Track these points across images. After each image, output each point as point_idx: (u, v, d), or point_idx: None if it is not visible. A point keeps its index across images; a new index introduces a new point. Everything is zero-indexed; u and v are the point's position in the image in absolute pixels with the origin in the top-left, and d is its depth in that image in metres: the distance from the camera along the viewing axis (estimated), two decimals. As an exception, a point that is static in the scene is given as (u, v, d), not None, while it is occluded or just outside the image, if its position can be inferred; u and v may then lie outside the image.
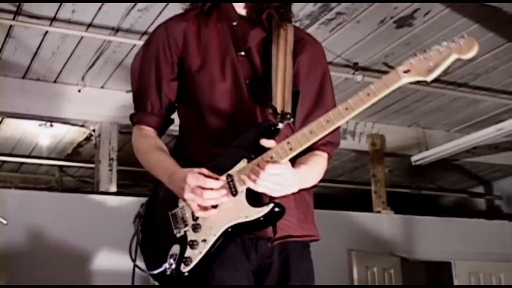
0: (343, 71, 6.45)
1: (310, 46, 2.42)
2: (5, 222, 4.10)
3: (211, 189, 2.06)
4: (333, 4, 5.35)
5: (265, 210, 2.08)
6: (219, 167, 2.12)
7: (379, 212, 7.73)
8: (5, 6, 5.18)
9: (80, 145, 8.39)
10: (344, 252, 6.97)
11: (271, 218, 2.09)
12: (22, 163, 9.19)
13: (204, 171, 2.07)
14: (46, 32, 5.58)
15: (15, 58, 6.04)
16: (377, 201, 7.81)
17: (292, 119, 2.21)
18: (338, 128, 2.22)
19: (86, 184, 9.57)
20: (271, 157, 2.08)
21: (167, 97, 2.33)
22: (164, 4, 5.22)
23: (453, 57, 2.04)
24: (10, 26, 5.46)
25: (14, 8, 5.21)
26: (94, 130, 7.07)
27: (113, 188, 6.72)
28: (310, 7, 5.34)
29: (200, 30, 2.33)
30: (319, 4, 5.33)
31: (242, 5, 2.35)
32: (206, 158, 2.16)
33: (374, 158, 7.93)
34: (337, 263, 6.87)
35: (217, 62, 2.27)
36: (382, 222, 7.61)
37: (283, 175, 2.06)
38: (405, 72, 2.06)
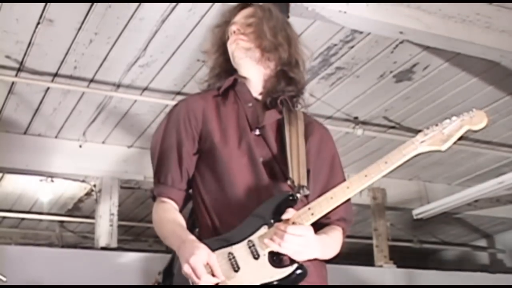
0: (343, 125, 6.47)
1: (319, 130, 2.55)
2: (4, 279, 4.07)
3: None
4: (332, 59, 5.40)
5: (289, 270, 2.15)
6: (239, 234, 2.21)
7: (381, 266, 7.66)
8: (7, 63, 5.22)
9: (80, 200, 8.37)
10: (347, 307, 6.90)
11: (294, 279, 2.16)
12: (23, 219, 9.16)
13: (210, 259, 2.13)
14: (48, 88, 5.62)
15: (16, 114, 6.07)
16: (379, 255, 7.76)
17: (308, 191, 2.30)
18: (350, 204, 2.40)
19: (87, 240, 9.52)
20: (293, 222, 2.18)
21: (187, 171, 2.40)
22: (166, 60, 5.26)
23: (465, 128, 2.22)
24: (12, 82, 5.50)
25: (16, 65, 5.25)
26: (95, 185, 7.06)
27: (114, 244, 6.68)
28: (310, 62, 5.37)
29: (219, 109, 2.44)
30: (319, 59, 5.37)
31: (258, 90, 2.49)
32: (222, 227, 2.26)
33: (376, 212, 7.90)
34: (340, 319, 6.79)
35: (235, 140, 2.38)
36: (384, 276, 7.54)
37: (306, 236, 2.17)
38: (420, 142, 2.25)
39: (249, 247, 2.18)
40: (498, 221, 9.53)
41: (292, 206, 2.24)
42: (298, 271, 2.16)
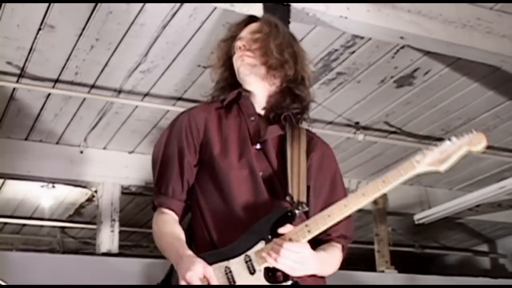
0: (344, 131, 6.48)
1: (321, 147, 2.56)
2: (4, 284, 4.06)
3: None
4: (333, 64, 5.40)
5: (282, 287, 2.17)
6: (237, 248, 2.21)
7: (382, 271, 7.66)
8: (8, 69, 5.23)
9: (82, 206, 8.37)
10: (348, 313, 6.89)
11: None
12: (24, 225, 9.16)
13: (207, 272, 2.14)
14: (49, 94, 5.63)
15: (18, 120, 6.07)
16: (380, 260, 7.75)
17: (307, 208, 2.31)
18: (351, 221, 2.41)
19: (88, 246, 9.52)
20: (290, 239, 2.19)
21: (188, 182, 2.40)
22: (167, 65, 5.27)
23: (464, 149, 2.22)
24: (14, 88, 5.50)
25: (17, 71, 5.26)
26: (96, 191, 7.05)
27: (115, 249, 6.67)
28: (311, 67, 5.36)
29: (221, 121, 2.45)
30: (320, 64, 5.38)
31: (261, 104, 2.49)
32: (220, 241, 2.26)
33: (377, 217, 7.90)
34: (341, 324, 6.78)
35: (235, 153, 2.38)
36: (386, 281, 7.52)
37: (302, 253, 2.18)
38: (419, 162, 2.23)
39: (246, 262, 2.19)
40: (499, 226, 9.52)
41: (290, 222, 2.24)
42: None
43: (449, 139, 2.25)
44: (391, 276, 7.61)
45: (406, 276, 7.72)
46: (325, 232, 2.27)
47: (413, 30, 4.49)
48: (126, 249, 8.82)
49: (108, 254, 6.54)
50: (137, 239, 9.36)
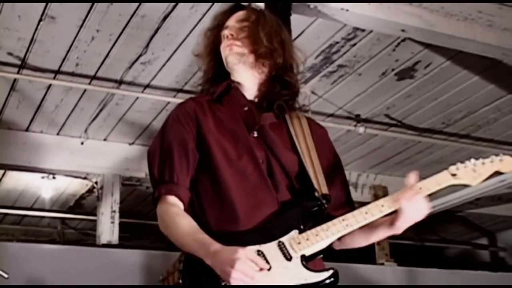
0: (345, 123, 6.48)
1: (319, 129, 2.56)
2: (6, 275, 4.07)
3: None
4: (334, 57, 5.40)
5: (324, 275, 2.19)
6: (268, 233, 2.21)
7: (382, 264, 7.67)
8: (9, 60, 5.23)
9: (82, 197, 8.38)
10: (348, 305, 6.90)
11: (327, 284, 2.18)
12: (24, 216, 9.17)
13: (251, 255, 2.10)
14: (50, 85, 5.63)
15: (18, 111, 6.08)
16: (380, 253, 7.76)
17: (330, 201, 2.36)
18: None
19: (88, 237, 9.53)
20: (327, 229, 2.24)
21: (192, 168, 2.34)
22: (167, 57, 5.27)
23: (494, 169, 2.39)
24: (15, 79, 5.51)
25: (18, 62, 5.26)
26: (96, 183, 7.06)
27: (115, 241, 6.69)
28: (312, 59, 5.38)
29: (214, 113, 2.42)
30: (320, 57, 5.37)
31: (252, 93, 2.47)
32: (227, 231, 2.23)
33: (377, 209, 7.89)
34: (341, 316, 6.78)
35: (232, 141, 2.35)
36: (385, 274, 7.53)
37: None
38: (453, 175, 2.38)
39: (280, 248, 2.19)
40: (499, 220, 9.53)
41: (318, 216, 2.28)
42: (333, 278, 2.19)
43: (482, 159, 2.38)
44: (391, 268, 7.61)
45: (405, 269, 7.72)
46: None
47: (414, 23, 4.49)
48: (126, 240, 8.83)
49: (108, 245, 6.55)
50: (137, 231, 9.36)
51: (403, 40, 5.17)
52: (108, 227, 6.73)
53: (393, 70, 5.65)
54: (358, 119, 6.43)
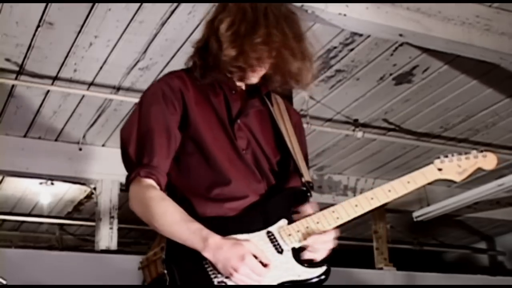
0: (343, 128, 6.48)
1: (294, 115, 2.52)
2: (4, 282, 4.07)
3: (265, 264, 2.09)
4: (332, 62, 5.41)
5: (319, 271, 2.17)
6: (256, 222, 2.17)
7: (381, 268, 7.67)
8: (7, 66, 5.22)
9: (80, 203, 8.37)
10: (347, 310, 6.89)
11: (321, 281, 2.16)
12: (23, 222, 9.15)
13: (256, 250, 2.06)
14: (48, 91, 5.62)
15: (16, 117, 6.07)
16: (379, 257, 7.76)
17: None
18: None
19: (87, 242, 9.52)
20: (318, 222, 2.21)
21: (173, 151, 2.25)
22: (165, 63, 5.27)
23: (477, 166, 2.45)
24: (12, 85, 5.50)
25: (16, 68, 5.25)
26: (95, 188, 7.05)
27: (114, 246, 6.68)
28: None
29: (200, 92, 2.34)
30: (318, 62, 5.37)
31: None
32: (214, 217, 2.16)
33: (376, 214, 7.90)
34: (340, 321, 6.78)
35: (218, 126, 2.29)
36: (384, 278, 7.54)
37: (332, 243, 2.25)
38: (440, 169, 2.38)
39: (270, 239, 2.15)
40: (498, 224, 9.53)
41: (303, 203, 2.26)
42: (325, 275, 2.17)
43: (467, 153, 2.43)
44: (390, 273, 7.62)
45: (404, 274, 7.72)
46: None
47: (412, 28, 4.49)
48: (125, 246, 8.82)
49: (107, 251, 6.54)
50: (136, 236, 9.36)
51: (401, 45, 5.18)
52: (106, 233, 6.71)
53: (391, 74, 5.66)
54: (356, 124, 6.43)
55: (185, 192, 2.24)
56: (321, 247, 2.18)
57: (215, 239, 2.06)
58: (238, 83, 2.38)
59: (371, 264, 7.80)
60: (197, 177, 2.24)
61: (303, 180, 2.31)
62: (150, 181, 2.19)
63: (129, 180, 2.23)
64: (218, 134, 2.27)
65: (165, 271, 2.09)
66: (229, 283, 2.05)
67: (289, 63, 2.29)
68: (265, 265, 2.06)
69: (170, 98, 2.28)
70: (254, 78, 2.34)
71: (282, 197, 2.24)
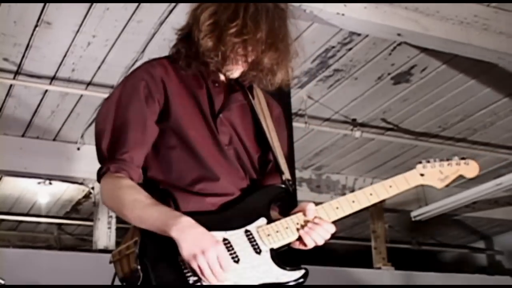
0: (342, 127, 6.48)
1: (275, 109, 2.46)
2: (2, 282, 4.07)
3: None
4: (330, 61, 5.41)
5: (297, 274, 2.11)
6: (234, 219, 2.11)
7: (379, 268, 7.66)
8: (5, 66, 5.22)
9: (79, 203, 8.37)
10: (345, 309, 6.90)
11: (298, 284, 2.10)
12: (21, 222, 9.15)
13: (221, 253, 1.98)
14: (46, 91, 5.62)
15: (15, 116, 6.07)
16: (377, 257, 7.76)
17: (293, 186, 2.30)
18: None
19: (85, 242, 9.52)
20: (297, 223, 2.16)
21: (149, 145, 2.19)
22: (163, 62, 5.26)
23: (459, 173, 2.43)
24: (11, 85, 5.50)
25: (14, 68, 5.25)
26: (93, 188, 7.05)
27: (112, 246, 6.67)
28: (308, 64, 5.38)
29: (183, 82, 2.27)
30: (317, 61, 5.38)
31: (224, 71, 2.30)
32: (193, 212, 2.09)
33: (374, 213, 7.90)
34: (338, 321, 6.78)
35: (200, 118, 2.24)
36: (383, 278, 7.54)
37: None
38: (422, 175, 2.37)
39: (248, 238, 2.09)
40: (496, 223, 9.53)
41: (283, 201, 2.23)
42: (304, 278, 2.10)
43: (450, 159, 2.41)
44: (388, 272, 7.62)
45: (402, 273, 7.73)
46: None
47: (410, 27, 4.49)
48: (123, 246, 8.81)
49: (105, 251, 6.53)
50: (134, 236, 9.36)
51: (399, 44, 5.18)
52: (104, 232, 6.71)
53: (389, 74, 5.66)
54: (354, 124, 6.43)
55: (166, 186, 2.19)
56: (321, 240, 2.15)
57: (188, 218, 2.01)
58: (221, 76, 2.32)
59: (369, 263, 7.80)
60: (179, 171, 2.18)
61: (283, 177, 2.26)
62: (121, 175, 2.14)
63: (100, 174, 2.18)
64: (200, 128, 2.22)
65: (139, 267, 2.04)
66: (204, 283, 1.99)
67: (261, 58, 2.23)
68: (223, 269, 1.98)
69: (150, 90, 2.21)
70: (234, 72, 2.28)
71: (261, 194, 2.19)
